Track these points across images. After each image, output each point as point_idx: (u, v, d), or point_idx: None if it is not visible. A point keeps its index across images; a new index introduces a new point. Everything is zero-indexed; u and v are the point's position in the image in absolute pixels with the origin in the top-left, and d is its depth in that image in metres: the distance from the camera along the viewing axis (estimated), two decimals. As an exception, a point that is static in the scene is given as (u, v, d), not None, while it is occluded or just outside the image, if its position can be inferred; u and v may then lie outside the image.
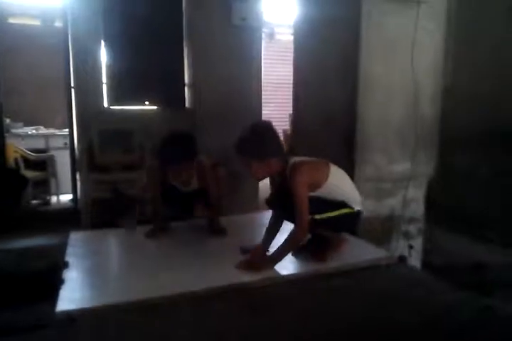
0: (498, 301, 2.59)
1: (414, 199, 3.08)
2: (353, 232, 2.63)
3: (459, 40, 4.09)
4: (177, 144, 2.51)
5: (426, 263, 3.15)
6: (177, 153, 2.49)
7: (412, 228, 3.11)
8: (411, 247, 3.06)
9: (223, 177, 2.81)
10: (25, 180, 2.14)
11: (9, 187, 1.97)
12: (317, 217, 2.17)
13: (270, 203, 2.38)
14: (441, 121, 3.11)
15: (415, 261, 3.06)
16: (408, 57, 2.84)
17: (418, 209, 3.12)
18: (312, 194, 2.18)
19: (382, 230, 3.02)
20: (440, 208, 4.15)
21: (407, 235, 3.10)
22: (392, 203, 3.02)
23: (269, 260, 2.23)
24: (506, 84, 3.84)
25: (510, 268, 3.45)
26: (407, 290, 2.09)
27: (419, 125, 2.96)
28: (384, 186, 2.98)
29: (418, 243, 3.14)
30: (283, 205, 2.25)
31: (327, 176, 2.23)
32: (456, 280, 2.54)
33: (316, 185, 2.20)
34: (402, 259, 2.46)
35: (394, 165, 2.96)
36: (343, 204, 2.26)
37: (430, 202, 3.21)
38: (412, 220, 3.10)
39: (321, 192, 2.21)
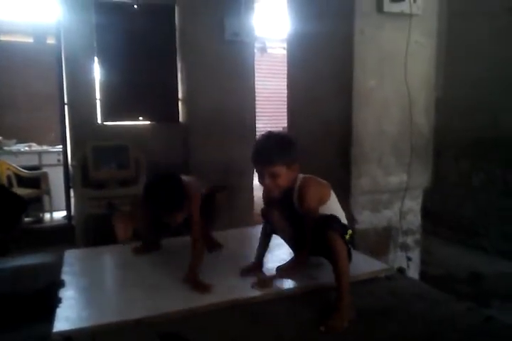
0: (494, 311, 2.60)
1: (410, 210, 3.08)
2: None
3: (451, 51, 4.17)
4: (165, 194, 2.23)
5: (423, 275, 3.14)
6: (166, 205, 2.26)
7: (410, 239, 3.11)
8: (409, 259, 3.05)
9: (220, 205, 2.73)
10: (24, 203, 2.09)
11: (7, 209, 1.92)
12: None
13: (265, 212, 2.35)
14: (436, 132, 3.14)
15: (414, 272, 3.05)
16: (402, 70, 2.87)
17: (415, 220, 3.12)
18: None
19: (379, 242, 3.01)
20: (436, 218, 4.18)
21: (404, 247, 3.09)
22: (388, 215, 3.02)
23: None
24: (498, 94, 3.91)
25: (505, 278, 3.47)
26: (408, 302, 2.07)
27: (413, 136, 2.98)
28: (380, 198, 2.98)
29: (416, 254, 3.13)
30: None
31: (328, 197, 2.24)
32: (453, 291, 2.54)
33: (320, 202, 2.19)
34: (401, 271, 2.44)
35: (390, 176, 2.97)
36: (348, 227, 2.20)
37: (426, 212, 3.22)
38: (409, 232, 3.10)
39: (322, 210, 2.18)
